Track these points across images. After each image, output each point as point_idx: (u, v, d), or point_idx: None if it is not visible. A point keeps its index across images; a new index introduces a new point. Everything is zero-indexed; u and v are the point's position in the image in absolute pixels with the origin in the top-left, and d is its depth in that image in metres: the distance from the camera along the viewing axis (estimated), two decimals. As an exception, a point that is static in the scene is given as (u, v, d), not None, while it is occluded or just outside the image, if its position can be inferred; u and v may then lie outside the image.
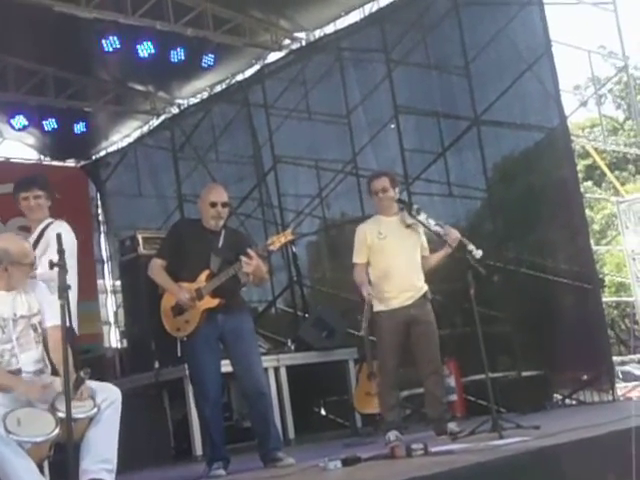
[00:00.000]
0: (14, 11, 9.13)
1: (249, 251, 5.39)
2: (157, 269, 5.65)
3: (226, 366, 7.97)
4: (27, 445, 3.79)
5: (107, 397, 4.04)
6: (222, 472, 5.42)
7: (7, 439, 3.73)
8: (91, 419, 3.96)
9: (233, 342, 5.56)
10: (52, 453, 3.98)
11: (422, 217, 5.93)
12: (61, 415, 3.74)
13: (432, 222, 5.93)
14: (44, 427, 3.80)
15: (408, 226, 6.04)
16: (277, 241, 5.50)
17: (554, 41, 8.69)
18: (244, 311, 5.83)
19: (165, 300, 5.65)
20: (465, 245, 5.70)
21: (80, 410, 3.86)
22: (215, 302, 5.52)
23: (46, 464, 4.11)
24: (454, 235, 5.85)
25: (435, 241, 6.19)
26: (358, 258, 6.17)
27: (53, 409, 3.84)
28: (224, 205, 5.65)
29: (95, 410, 3.94)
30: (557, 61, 8.58)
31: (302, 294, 10.32)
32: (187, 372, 7.41)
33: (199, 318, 5.52)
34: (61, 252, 3.83)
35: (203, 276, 5.54)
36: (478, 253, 5.63)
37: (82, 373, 3.95)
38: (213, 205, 5.60)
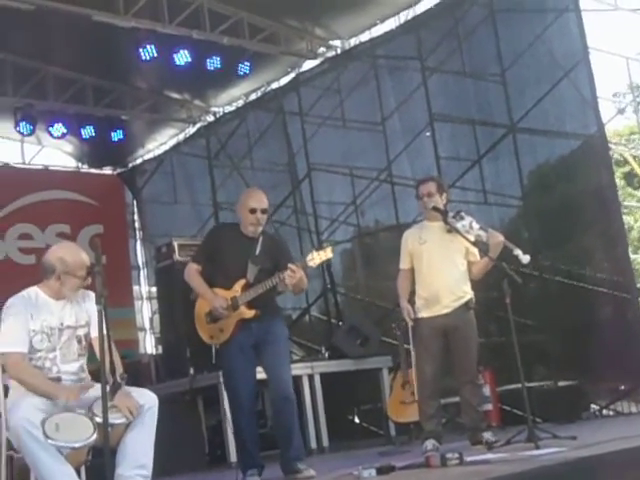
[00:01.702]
0: (53, 20, 9.27)
1: (291, 266, 5.24)
2: (193, 273, 5.57)
3: (260, 373, 8.04)
4: (66, 450, 3.83)
5: (144, 403, 4.06)
6: (257, 478, 5.42)
7: (46, 444, 3.77)
8: (128, 425, 4.00)
9: (265, 347, 5.47)
10: (90, 457, 4.02)
11: (464, 223, 5.82)
12: (99, 420, 3.78)
13: (476, 226, 5.76)
14: (82, 432, 3.83)
15: (450, 231, 5.90)
16: (317, 257, 5.34)
17: (591, 48, 8.63)
18: (277, 317, 5.74)
19: (199, 306, 5.59)
20: (511, 250, 5.58)
21: (117, 416, 3.89)
22: (251, 313, 5.44)
23: (83, 469, 4.15)
24: (498, 239, 5.70)
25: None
26: (401, 264, 6.12)
27: (91, 414, 3.88)
28: (263, 212, 5.48)
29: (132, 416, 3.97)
30: (594, 68, 8.54)
31: (336, 302, 10.32)
32: (222, 379, 7.51)
33: (233, 327, 5.45)
34: (98, 258, 3.88)
35: (238, 286, 5.44)
36: (525, 258, 5.50)
37: (119, 378, 3.99)
38: (252, 211, 5.45)
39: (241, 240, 5.52)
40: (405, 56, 10.28)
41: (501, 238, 5.72)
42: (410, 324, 5.99)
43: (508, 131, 9.17)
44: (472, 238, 5.81)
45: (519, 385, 5.59)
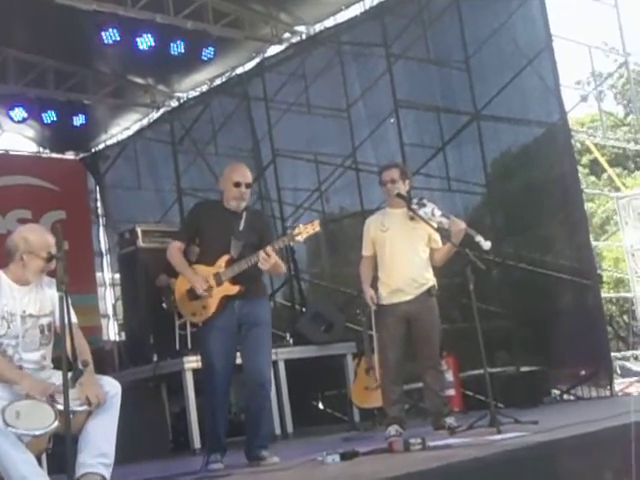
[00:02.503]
0: (14, 3, 9.12)
1: (267, 249, 5.22)
2: (174, 252, 5.48)
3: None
4: (26, 438, 3.79)
5: (107, 391, 4.03)
6: (220, 465, 5.41)
7: (6, 432, 3.73)
8: (90, 412, 3.96)
9: (246, 330, 5.38)
10: (51, 445, 3.98)
11: (426, 210, 5.83)
12: (60, 407, 3.74)
13: (438, 213, 5.78)
14: (43, 420, 3.79)
15: (412, 219, 5.93)
16: (304, 231, 5.30)
17: (555, 36, 8.68)
18: (262, 297, 5.65)
19: (180, 282, 5.50)
20: (472, 236, 5.61)
21: (79, 403, 3.86)
22: (235, 289, 5.35)
23: (44, 456, 4.11)
24: (460, 226, 5.71)
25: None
26: (364, 250, 6.14)
27: (52, 401, 3.84)
28: (248, 186, 5.44)
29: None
30: (558, 56, 8.59)
31: (299, 289, 10.32)
32: (185, 365, 7.48)
33: (217, 304, 5.35)
34: (60, 244, 3.83)
35: (222, 261, 5.36)
36: (487, 244, 5.52)
37: (80, 365, 3.95)
38: (237, 185, 5.41)
39: (224, 215, 5.45)
40: (370, 42, 10.27)
41: (463, 225, 5.73)
42: (373, 308, 6.04)
43: (472, 118, 9.20)
44: (434, 225, 5.83)
45: (482, 371, 5.63)
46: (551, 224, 8.80)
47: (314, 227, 5.33)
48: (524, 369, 8.46)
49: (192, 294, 5.42)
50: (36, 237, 4.28)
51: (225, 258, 5.35)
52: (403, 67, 9.91)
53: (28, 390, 3.95)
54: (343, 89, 10.42)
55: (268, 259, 5.21)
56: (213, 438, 5.56)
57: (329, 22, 10.58)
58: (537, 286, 8.70)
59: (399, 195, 5.97)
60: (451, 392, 8.17)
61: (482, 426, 5.21)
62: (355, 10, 10.27)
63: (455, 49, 9.39)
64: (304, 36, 10.87)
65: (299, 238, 5.34)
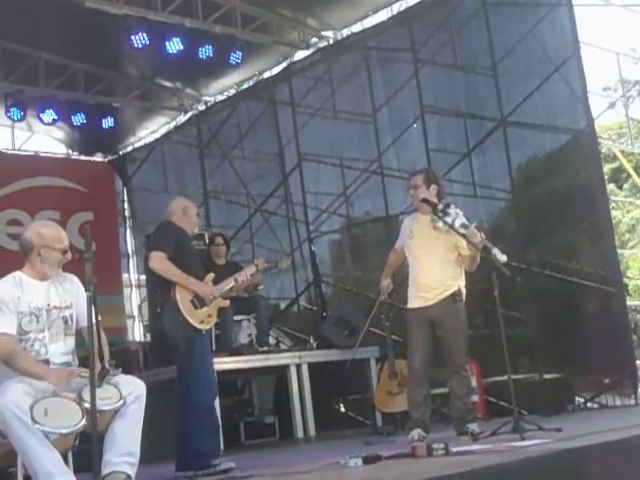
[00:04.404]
0: (46, 6, 9.24)
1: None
2: (168, 262, 5.66)
3: (250, 362, 8.09)
4: (53, 436, 3.85)
5: (133, 390, 4.09)
6: (232, 464, 5.50)
7: (33, 429, 3.79)
8: (116, 411, 4.02)
9: None
10: (77, 443, 4.04)
11: (448, 219, 5.86)
12: (87, 406, 3.79)
13: (457, 224, 5.82)
14: (70, 418, 3.85)
15: (434, 227, 5.99)
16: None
17: (583, 42, 8.66)
18: None
19: (180, 295, 5.66)
20: (489, 249, 5.65)
21: (106, 402, 3.91)
22: (226, 303, 5.97)
23: (70, 454, 4.17)
24: (477, 238, 5.72)
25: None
26: (396, 243, 6.40)
27: (80, 399, 3.89)
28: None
29: (121, 402, 4.00)
30: (585, 63, 8.56)
31: (320, 293, 10.35)
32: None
33: (217, 314, 5.84)
34: (88, 245, 3.89)
35: (209, 278, 5.83)
36: (502, 258, 5.54)
37: (107, 365, 4.01)
38: (198, 215, 6.15)
39: (189, 239, 6.10)
40: (397, 48, 10.28)
41: (479, 238, 5.74)
42: (381, 298, 6.52)
43: (498, 124, 9.18)
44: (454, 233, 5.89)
45: (505, 377, 5.63)
46: (576, 231, 8.75)
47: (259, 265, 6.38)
48: (547, 376, 8.43)
49: (196, 303, 5.70)
50: (49, 231, 4.39)
51: (211, 276, 5.87)
52: (429, 73, 9.91)
53: (55, 382, 4.02)
54: (369, 94, 10.44)
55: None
56: (217, 440, 5.86)
57: (356, 27, 10.60)
58: (561, 293, 8.66)
59: (424, 200, 6.00)
60: (475, 398, 8.16)
61: (505, 432, 5.21)
62: (382, 15, 10.29)
63: (482, 55, 9.38)
64: (331, 41, 10.90)
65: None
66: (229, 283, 6.01)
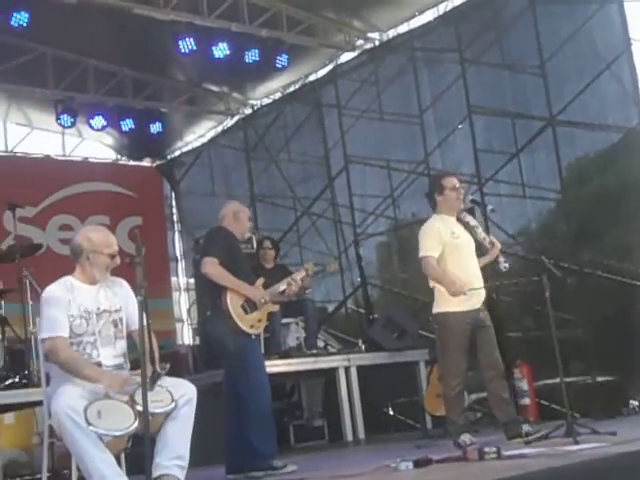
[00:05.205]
0: (94, 14, 9.37)
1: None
2: (220, 268, 5.68)
3: (298, 365, 8.10)
4: (106, 438, 3.90)
5: (184, 394, 4.12)
6: (293, 467, 5.49)
7: (87, 430, 3.84)
8: (168, 414, 4.04)
9: None
10: (130, 445, 4.08)
11: (474, 222, 6.01)
12: (139, 409, 3.83)
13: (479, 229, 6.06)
14: (123, 420, 3.89)
15: (466, 227, 6.09)
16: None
17: (634, 39, 8.50)
18: None
19: (231, 300, 5.68)
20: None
21: (158, 405, 3.94)
22: (276, 307, 6.04)
23: (122, 456, 4.21)
24: (498, 246, 6.08)
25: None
26: (433, 251, 5.97)
27: (132, 402, 3.93)
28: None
29: (172, 405, 4.03)
30: (637, 60, 8.41)
31: (366, 295, 10.32)
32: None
33: (266, 319, 5.90)
34: (138, 249, 3.92)
35: (259, 283, 5.83)
36: (505, 266, 5.95)
37: (159, 368, 4.05)
38: (250, 219, 6.19)
39: (239, 243, 6.09)
40: (443, 48, 10.22)
41: (499, 245, 6.07)
42: (465, 290, 5.86)
43: (547, 124, 9.07)
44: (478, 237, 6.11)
45: (557, 380, 5.55)
46: (629, 231, 8.59)
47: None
48: (600, 379, 8.29)
49: (247, 308, 5.73)
50: (98, 235, 4.45)
51: (261, 281, 5.88)
52: (475, 73, 9.83)
53: (107, 385, 4.07)
54: (415, 95, 10.40)
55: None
56: (273, 443, 5.75)
57: (402, 28, 10.55)
58: (614, 294, 8.51)
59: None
60: (526, 401, 8.08)
61: (558, 436, 5.13)
62: (429, 16, 10.23)
63: (530, 54, 9.27)
64: (377, 42, 10.87)
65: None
66: (279, 287, 6.03)
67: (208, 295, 5.92)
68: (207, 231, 6.25)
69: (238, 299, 5.69)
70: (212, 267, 5.68)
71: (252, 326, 5.74)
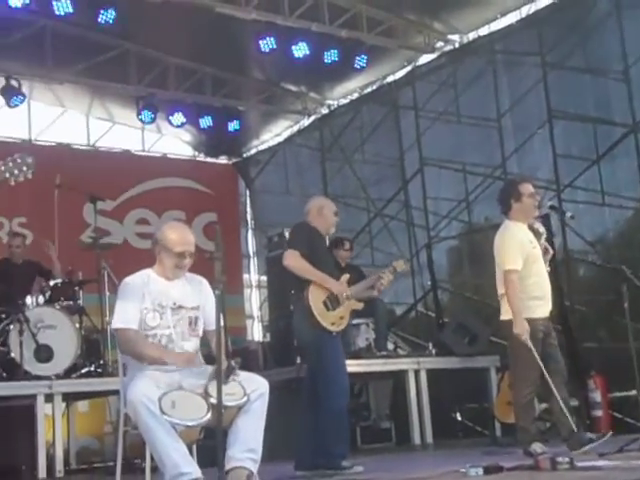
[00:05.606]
0: (177, 12, 9.53)
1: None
2: (303, 260, 5.62)
3: (368, 366, 8.08)
4: (179, 427, 3.95)
5: (257, 388, 4.15)
6: (360, 468, 5.49)
7: (161, 419, 3.90)
8: (240, 408, 4.09)
9: None
10: (202, 437, 4.14)
11: (542, 228, 5.99)
12: (213, 401, 3.88)
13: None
14: (196, 411, 3.95)
15: (535, 235, 6.02)
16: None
17: None
18: None
19: (313, 295, 5.61)
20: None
21: (231, 398, 3.98)
22: (360, 305, 5.81)
23: (194, 448, 4.27)
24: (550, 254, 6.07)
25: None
26: (515, 264, 5.82)
27: (206, 394, 3.99)
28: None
29: (245, 399, 4.07)
30: None
31: (436, 299, 10.25)
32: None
33: (349, 316, 5.73)
34: (218, 245, 3.97)
35: (344, 279, 5.74)
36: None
37: (233, 362, 4.09)
38: (336, 214, 6.07)
39: (323, 239, 5.99)
40: (524, 51, 10.09)
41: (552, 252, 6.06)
42: (524, 338, 5.68)
43: (629, 130, 8.87)
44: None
45: (632, 392, 5.43)
46: None
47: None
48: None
49: (329, 304, 5.64)
50: (172, 233, 4.48)
51: (347, 277, 5.79)
52: (557, 77, 9.68)
53: (172, 362, 4.16)
54: (494, 98, 10.29)
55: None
56: (345, 443, 5.71)
57: (483, 30, 10.45)
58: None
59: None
60: (598, 413, 7.90)
61: (633, 450, 5.01)
62: (511, 18, 10.10)
63: (613, 59, 9.10)
64: (457, 45, 10.79)
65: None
66: (365, 284, 5.96)
67: (292, 290, 5.86)
68: (292, 226, 6.19)
69: (320, 295, 5.61)
70: (294, 259, 5.63)
71: (333, 323, 5.64)
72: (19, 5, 8.63)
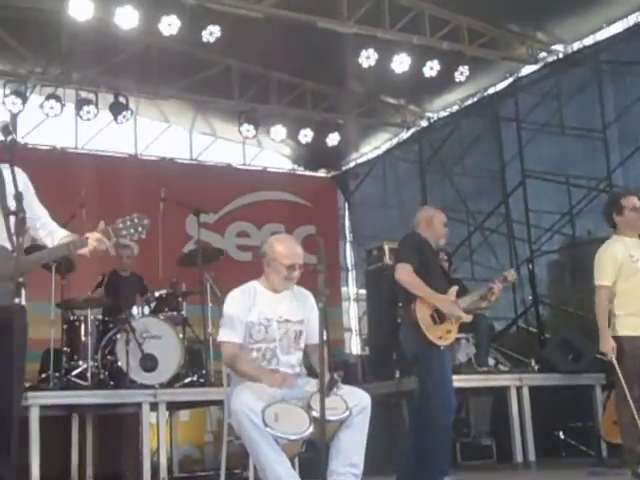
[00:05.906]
0: (279, 28, 9.65)
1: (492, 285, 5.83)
2: (414, 275, 5.54)
3: (468, 381, 7.97)
4: (282, 441, 3.99)
5: (359, 402, 4.15)
6: None
7: (264, 432, 3.94)
8: (342, 422, 4.09)
9: None
10: (303, 450, 4.16)
11: None
12: (315, 415, 3.89)
13: None
14: (299, 425, 3.97)
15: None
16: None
17: None
18: None
19: (420, 310, 5.54)
20: None
21: (333, 412, 3.99)
22: (469, 318, 5.67)
23: (296, 460, 4.30)
24: None
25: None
26: (604, 279, 5.73)
27: (308, 408, 4.00)
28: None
29: (347, 414, 4.07)
30: None
31: (538, 314, 10.02)
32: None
33: (457, 330, 5.64)
34: (320, 258, 3.97)
35: (454, 290, 5.61)
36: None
37: (336, 375, 4.10)
38: (445, 225, 5.95)
39: (434, 252, 5.87)
40: (631, 61, 9.81)
41: None
42: (611, 358, 5.62)
43: None
44: None
45: None
46: None
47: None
48: None
49: (436, 318, 5.55)
50: (281, 246, 4.52)
51: (456, 288, 5.66)
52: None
53: (268, 384, 4.19)
54: (599, 109, 10.03)
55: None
56: (446, 460, 5.63)
57: (588, 40, 10.21)
58: None
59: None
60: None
61: None
62: (617, 28, 9.84)
63: None
64: (561, 55, 10.57)
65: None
66: (476, 296, 5.83)
67: (400, 302, 5.81)
68: (402, 237, 6.11)
69: (428, 308, 5.54)
70: (405, 273, 5.56)
71: (440, 337, 5.54)
72: (128, 28, 8.96)
